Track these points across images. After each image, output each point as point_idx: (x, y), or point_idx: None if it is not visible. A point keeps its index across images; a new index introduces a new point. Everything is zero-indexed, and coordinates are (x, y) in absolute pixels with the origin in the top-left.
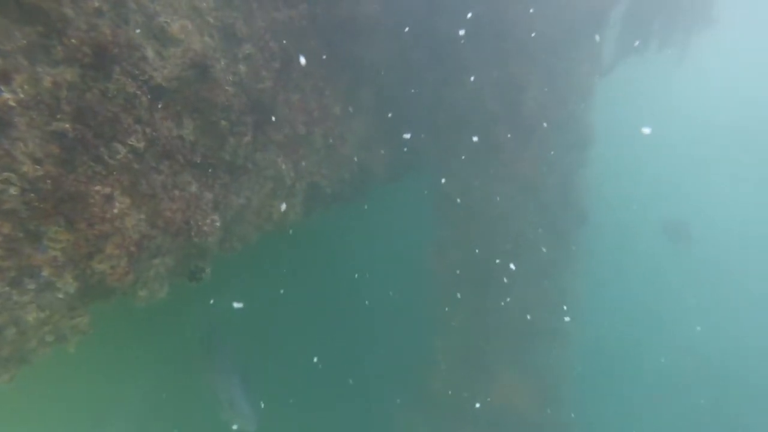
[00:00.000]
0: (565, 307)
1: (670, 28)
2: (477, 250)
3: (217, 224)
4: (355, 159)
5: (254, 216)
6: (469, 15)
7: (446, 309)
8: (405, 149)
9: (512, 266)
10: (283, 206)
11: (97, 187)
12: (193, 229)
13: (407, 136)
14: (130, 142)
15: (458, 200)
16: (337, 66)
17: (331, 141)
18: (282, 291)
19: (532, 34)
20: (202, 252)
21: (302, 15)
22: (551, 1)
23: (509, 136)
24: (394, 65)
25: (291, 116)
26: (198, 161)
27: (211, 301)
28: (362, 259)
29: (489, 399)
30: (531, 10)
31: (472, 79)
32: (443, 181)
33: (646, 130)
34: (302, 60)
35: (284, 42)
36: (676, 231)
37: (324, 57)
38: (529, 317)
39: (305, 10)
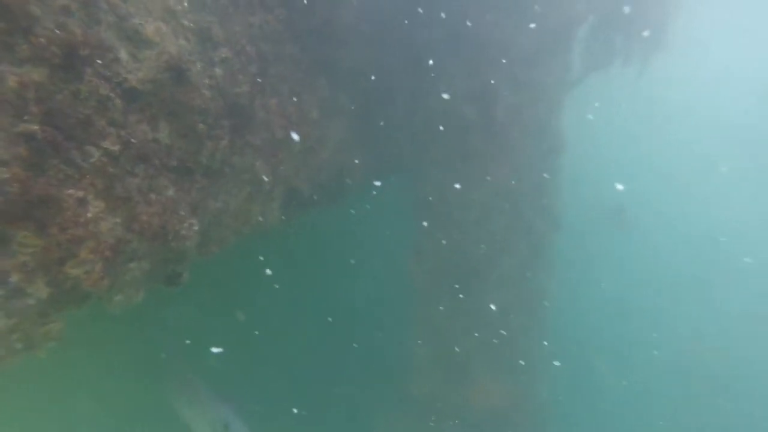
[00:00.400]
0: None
1: (630, 49)
2: (455, 254)
3: (195, 228)
4: (333, 163)
5: (232, 220)
6: (444, 25)
7: (425, 311)
8: (382, 153)
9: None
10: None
11: (70, 191)
12: (170, 233)
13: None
14: (104, 146)
15: (434, 204)
16: (314, 70)
17: (309, 145)
18: (260, 296)
19: (505, 45)
20: (179, 256)
21: (278, 19)
22: (523, 13)
23: (484, 142)
24: (372, 71)
25: (269, 120)
26: (174, 165)
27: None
28: (342, 263)
29: (469, 400)
30: (501, 22)
31: (446, 96)
32: (421, 186)
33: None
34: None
35: (261, 46)
36: (615, 216)
37: (301, 61)
38: (506, 317)
39: (282, 14)
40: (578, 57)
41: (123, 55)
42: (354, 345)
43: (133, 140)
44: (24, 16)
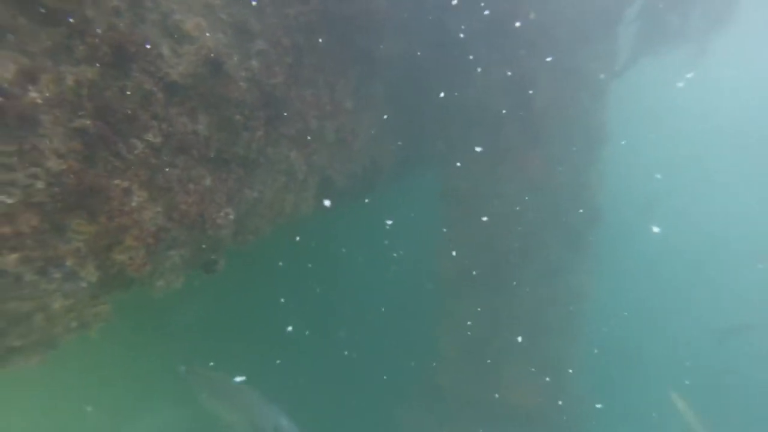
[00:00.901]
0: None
1: (686, 26)
2: (486, 248)
3: (231, 217)
4: (366, 153)
5: (267, 209)
6: (481, 12)
7: (454, 305)
8: (416, 145)
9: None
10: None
11: (117, 181)
12: (208, 221)
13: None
14: (147, 138)
15: (467, 197)
16: (348, 61)
17: (342, 135)
18: (288, 286)
19: (544, 30)
20: (216, 244)
21: (314, 10)
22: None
23: (519, 134)
24: (405, 61)
25: (303, 111)
26: (212, 156)
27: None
28: (372, 255)
29: (497, 394)
30: (540, 5)
31: (479, 70)
32: (453, 178)
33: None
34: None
35: (296, 37)
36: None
37: (335, 52)
38: (538, 314)
39: (317, 5)
40: (626, 41)
41: (165, 50)
42: (382, 336)
43: (173, 132)
44: (80, 19)
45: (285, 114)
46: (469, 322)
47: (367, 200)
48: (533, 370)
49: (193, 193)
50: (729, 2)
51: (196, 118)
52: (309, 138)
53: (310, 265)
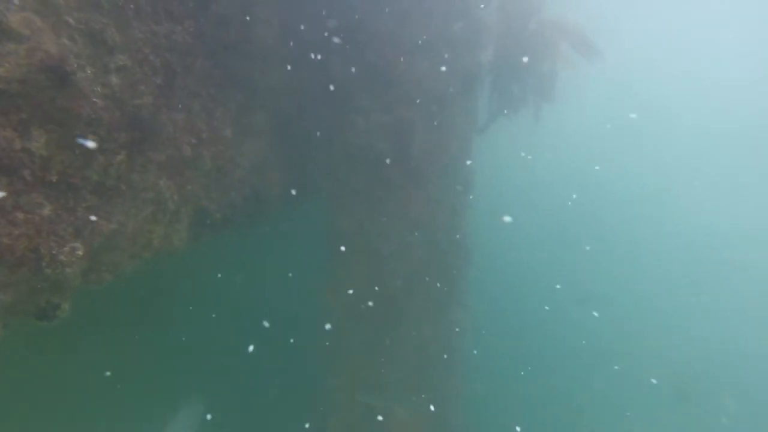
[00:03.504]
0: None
1: (523, 99)
2: (371, 286)
3: (79, 253)
4: (247, 183)
5: (129, 243)
6: (361, 59)
7: (341, 344)
8: (300, 177)
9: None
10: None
11: None
12: (45, 258)
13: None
14: None
15: (348, 238)
16: (228, 87)
17: (220, 164)
18: (165, 323)
19: (418, 85)
20: (56, 285)
21: (187, 31)
22: (434, 57)
23: (401, 176)
24: (291, 93)
25: (176, 136)
26: (54, 180)
27: None
28: (255, 290)
29: None
30: (410, 62)
31: (359, 114)
32: (338, 214)
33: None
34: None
35: (167, 57)
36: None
37: (215, 77)
38: (423, 349)
39: (191, 26)
40: (486, 102)
41: None
42: (267, 376)
43: None
44: None
45: (153, 138)
46: (357, 361)
47: (249, 233)
48: (422, 406)
49: (23, 223)
50: (552, 80)
51: (29, 133)
52: (182, 165)
53: (190, 308)
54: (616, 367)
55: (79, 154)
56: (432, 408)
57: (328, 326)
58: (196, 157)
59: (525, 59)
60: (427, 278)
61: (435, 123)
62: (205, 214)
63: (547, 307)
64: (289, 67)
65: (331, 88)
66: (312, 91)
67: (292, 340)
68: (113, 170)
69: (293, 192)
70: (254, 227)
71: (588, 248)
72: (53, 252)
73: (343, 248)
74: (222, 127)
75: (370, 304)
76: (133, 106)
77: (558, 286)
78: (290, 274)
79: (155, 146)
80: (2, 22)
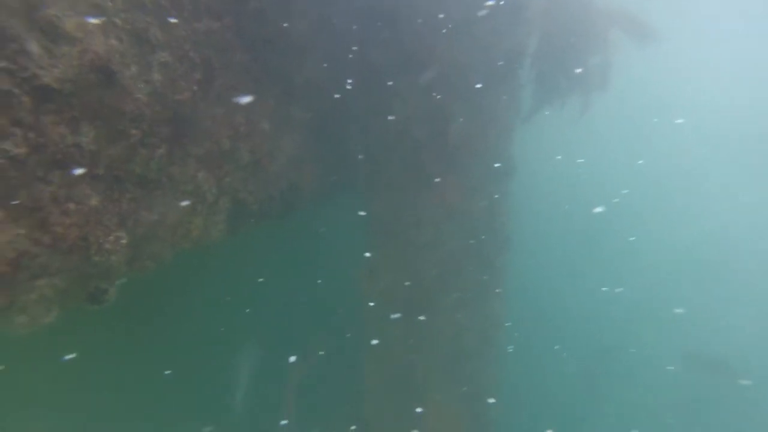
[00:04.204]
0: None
1: (570, 90)
2: (407, 274)
3: (123, 242)
4: (284, 177)
5: (169, 233)
6: (401, 47)
7: (377, 333)
8: (336, 169)
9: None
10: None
11: None
12: (93, 246)
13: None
14: (5, 147)
15: (384, 225)
16: (266, 81)
17: (258, 157)
18: (205, 313)
19: (458, 69)
20: (104, 272)
21: (227, 28)
22: (473, 38)
23: (437, 163)
24: (327, 86)
25: (214, 130)
26: (101, 173)
27: None
28: (294, 280)
29: (422, 424)
30: (448, 47)
31: (391, 118)
32: (374, 204)
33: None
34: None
35: (207, 53)
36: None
37: (253, 72)
38: (457, 340)
39: (230, 23)
40: (530, 93)
41: (33, 47)
42: (305, 366)
43: (46, 143)
44: None
45: (193, 132)
46: (392, 349)
47: (286, 223)
48: (456, 397)
49: (74, 213)
50: (603, 70)
51: (79, 129)
52: (220, 159)
53: (228, 298)
54: (670, 367)
55: (123, 148)
56: (467, 399)
57: (364, 311)
58: (233, 151)
59: (571, 47)
60: (462, 268)
61: (473, 109)
62: (243, 206)
63: (589, 305)
64: (325, 58)
65: (368, 74)
66: (348, 81)
67: (327, 330)
68: (155, 163)
69: (329, 184)
70: (290, 218)
71: (633, 239)
72: (100, 240)
73: (378, 236)
74: (259, 121)
75: (405, 293)
76: (173, 102)
77: (604, 289)
78: (325, 265)
79: (194, 140)
80: (59, 27)
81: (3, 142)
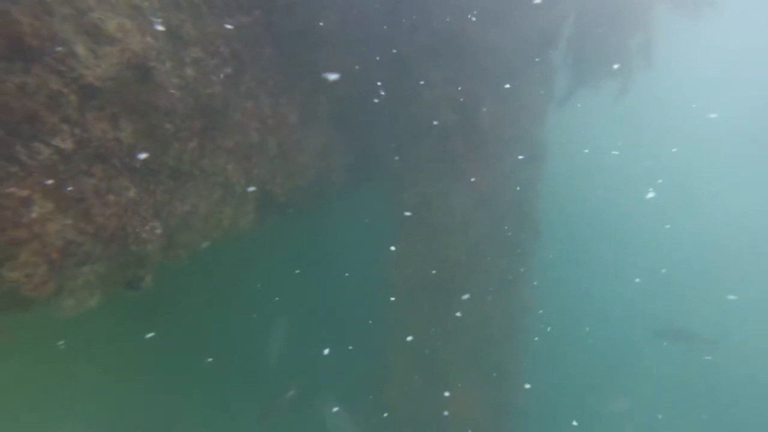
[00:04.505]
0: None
1: (607, 71)
2: (435, 262)
3: (158, 231)
4: (312, 167)
5: (201, 223)
6: (429, 31)
7: (403, 319)
8: (363, 159)
9: (465, 296)
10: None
11: (12, 189)
12: (130, 235)
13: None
14: (55, 143)
15: (412, 213)
16: (293, 74)
17: (286, 149)
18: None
19: (488, 53)
20: (141, 260)
21: (257, 22)
22: (505, 21)
23: (466, 149)
24: (353, 76)
25: (243, 123)
26: (137, 165)
27: None
28: (320, 268)
29: (446, 411)
30: (484, 30)
31: (425, 86)
32: (401, 192)
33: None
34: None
35: (237, 47)
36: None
37: (280, 65)
38: (484, 326)
39: (260, 17)
40: (564, 74)
41: (80, 50)
42: (327, 350)
43: (89, 138)
44: None
45: (223, 125)
46: (418, 336)
47: (315, 213)
48: (480, 382)
49: (113, 204)
50: (646, 48)
51: (118, 124)
52: (249, 151)
53: (258, 286)
54: (708, 357)
55: (157, 142)
56: (492, 386)
57: (392, 299)
58: (262, 143)
59: (611, 24)
60: (490, 254)
61: (504, 94)
62: (271, 196)
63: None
64: (353, 47)
65: (396, 54)
66: (377, 71)
67: (354, 315)
68: (187, 156)
69: (357, 174)
70: (318, 208)
71: (668, 227)
72: (137, 230)
73: (406, 221)
74: (287, 114)
75: (433, 278)
76: (205, 96)
77: (637, 280)
78: (353, 253)
79: (224, 133)
80: (102, 29)
81: (53, 139)
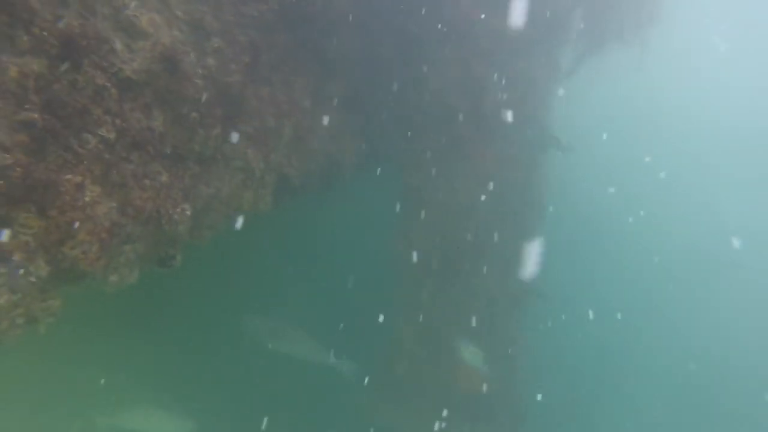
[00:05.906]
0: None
1: (622, 27)
2: (441, 241)
3: (188, 213)
4: (324, 151)
5: (223, 206)
6: (437, 16)
7: (412, 295)
8: (373, 142)
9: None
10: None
11: (68, 176)
12: (164, 217)
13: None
14: (100, 133)
15: (420, 194)
16: (306, 60)
17: (300, 134)
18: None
19: (495, 37)
20: (172, 240)
21: (271, 9)
22: (514, 6)
23: (473, 133)
24: (363, 60)
25: (260, 109)
26: (168, 152)
27: None
28: (331, 247)
29: (453, 382)
30: (491, 14)
31: (431, 70)
32: (410, 174)
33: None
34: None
35: (253, 35)
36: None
37: (294, 51)
38: (490, 305)
39: (275, 4)
40: (570, 44)
41: (118, 45)
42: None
43: (127, 128)
44: (24, 8)
45: (242, 112)
46: (424, 312)
47: (327, 196)
48: (485, 357)
49: (149, 188)
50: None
51: (151, 114)
52: (266, 136)
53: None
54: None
55: (185, 129)
56: (496, 362)
57: (397, 277)
58: (278, 128)
59: None
60: (497, 237)
61: (510, 77)
62: (287, 179)
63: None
64: (363, 30)
65: (405, 45)
66: (386, 55)
67: (362, 292)
68: (211, 142)
69: (367, 157)
70: (330, 190)
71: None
72: (170, 212)
73: (415, 202)
74: (301, 98)
75: (439, 259)
76: (225, 84)
77: (656, 259)
78: (362, 229)
79: (244, 119)
80: (136, 24)
81: (99, 129)
